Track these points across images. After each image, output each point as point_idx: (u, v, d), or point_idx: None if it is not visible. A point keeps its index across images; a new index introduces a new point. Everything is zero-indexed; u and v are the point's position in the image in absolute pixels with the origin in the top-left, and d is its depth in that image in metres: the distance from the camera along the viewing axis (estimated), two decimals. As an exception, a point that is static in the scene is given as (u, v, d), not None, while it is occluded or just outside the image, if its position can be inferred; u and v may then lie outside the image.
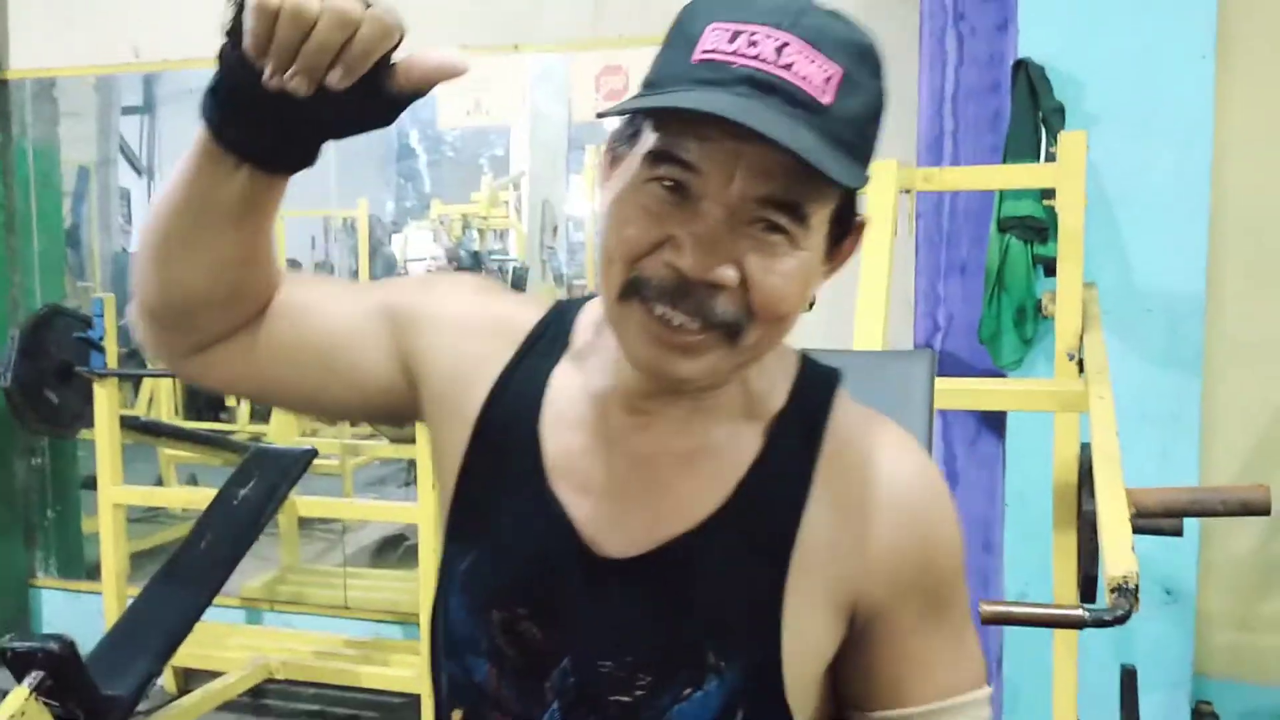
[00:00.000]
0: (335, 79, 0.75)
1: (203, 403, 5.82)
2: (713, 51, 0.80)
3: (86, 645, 3.24)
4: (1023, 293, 2.93)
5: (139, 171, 6.11)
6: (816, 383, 0.96)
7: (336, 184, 4.50)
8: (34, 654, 2.72)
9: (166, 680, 3.97)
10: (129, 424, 4.18)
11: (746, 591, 0.89)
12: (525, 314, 1.00)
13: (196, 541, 3.34)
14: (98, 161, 6.01)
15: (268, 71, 0.76)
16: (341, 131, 0.84)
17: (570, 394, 0.95)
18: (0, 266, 4.48)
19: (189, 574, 3.23)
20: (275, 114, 0.80)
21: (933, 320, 3.27)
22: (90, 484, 3.95)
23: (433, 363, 0.98)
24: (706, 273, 0.81)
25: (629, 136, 0.87)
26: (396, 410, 1.03)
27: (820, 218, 0.84)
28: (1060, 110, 2.88)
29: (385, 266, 4.67)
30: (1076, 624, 1.52)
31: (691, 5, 0.86)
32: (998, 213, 2.92)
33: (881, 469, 0.91)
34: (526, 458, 0.94)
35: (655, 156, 0.82)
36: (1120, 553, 1.61)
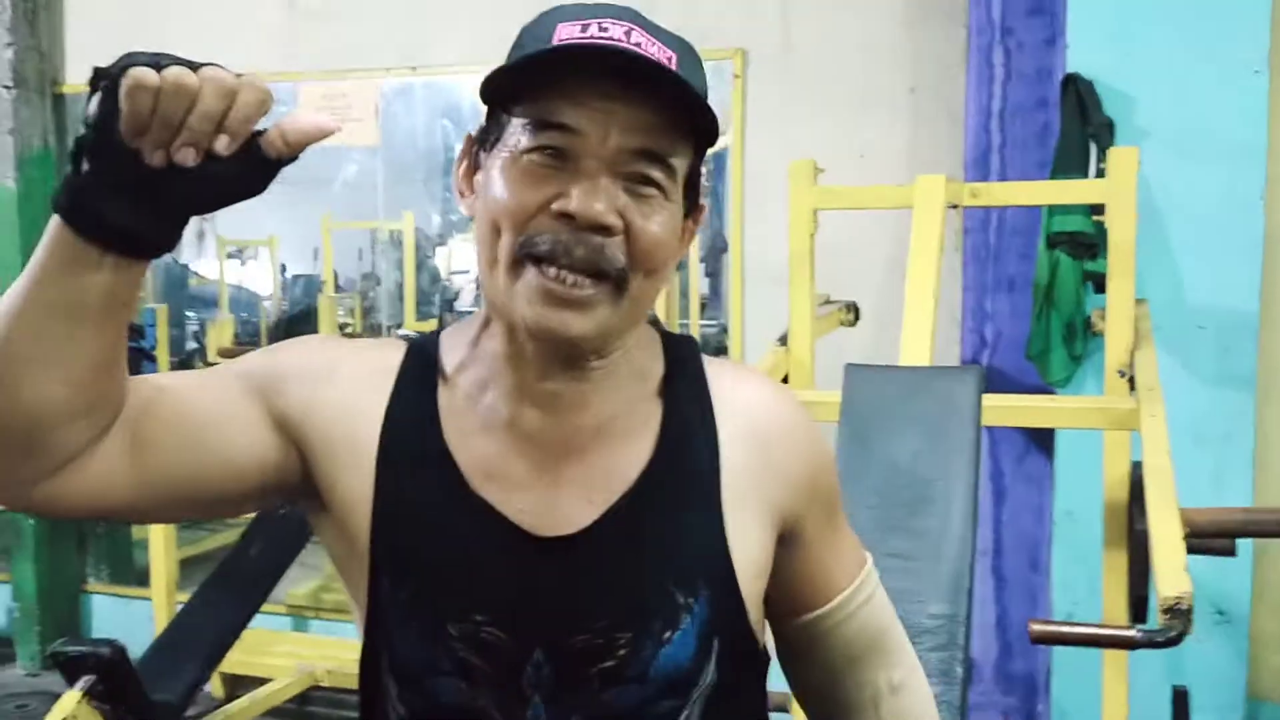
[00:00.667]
0: (222, 146, 0.78)
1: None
2: (568, 39, 0.89)
3: (136, 650, 3.28)
4: (1072, 309, 2.90)
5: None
6: (683, 348, 1.05)
7: (384, 197, 4.54)
8: (86, 658, 2.75)
9: (214, 686, 4.01)
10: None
11: (693, 532, 0.97)
12: (386, 353, 1.02)
13: (245, 549, 3.37)
14: (150, 174, 6.10)
15: (149, 148, 0.77)
16: (216, 202, 0.83)
17: (463, 409, 0.98)
18: (56, 277, 4.56)
19: (238, 581, 3.26)
20: (148, 193, 0.80)
21: (980, 336, 3.25)
22: (141, 492, 4.00)
23: (311, 415, 0.97)
24: (594, 214, 0.88)
25: (492, 140, 0.93)
26: (283, 483, 0.98)
27: (681, 173, 0.93)
28: (1110, 125, 2.86)
29: (430, 278, 4.70)
30: (1128, 645, 1.50)
31: (532, 21, 0.94)
32: (1046, 228, 2.90)
33: (766, 406, 1.03)
34: (445, 472, 0.96)
35: (534, 127, 0.89)
36: (1174, 573, 1.59)
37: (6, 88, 4.38)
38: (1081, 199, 2.75)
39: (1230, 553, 2.09)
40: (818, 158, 2.68)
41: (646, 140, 0.89)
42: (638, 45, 0.89)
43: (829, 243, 2.75)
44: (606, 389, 0.98)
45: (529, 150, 0.90)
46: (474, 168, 0.97)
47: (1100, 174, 2.73)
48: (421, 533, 0.96)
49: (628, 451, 0.97)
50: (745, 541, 0.98)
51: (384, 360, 1.01)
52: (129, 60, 0.76)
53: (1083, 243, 2.85)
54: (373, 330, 5.46)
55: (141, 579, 4.26)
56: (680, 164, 0.93)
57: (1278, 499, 2.95)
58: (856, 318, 3.17)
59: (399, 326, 5.99)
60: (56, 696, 2.85)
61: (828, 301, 3.09)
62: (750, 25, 3.74)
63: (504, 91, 0.92)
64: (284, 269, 6.33)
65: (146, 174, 0.78)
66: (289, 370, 0.98)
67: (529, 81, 0.90)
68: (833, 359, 2.41)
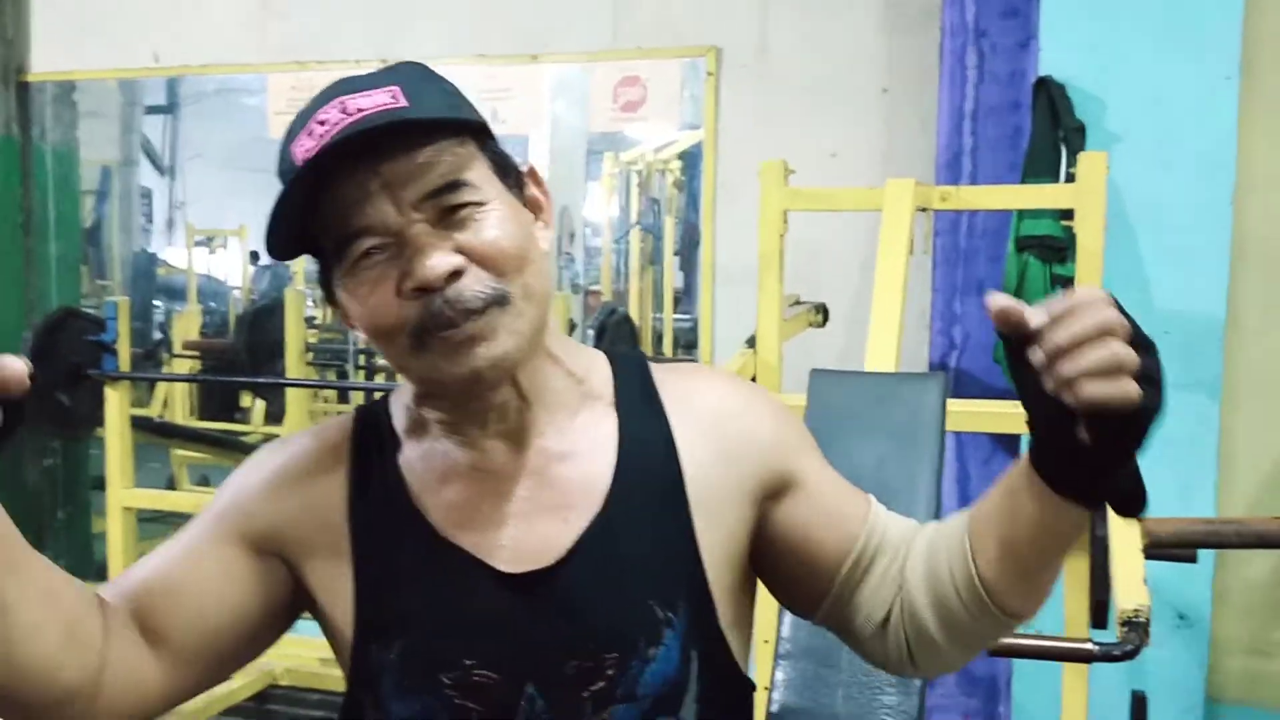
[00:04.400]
0: None
1: (218, 405, 5.83)
2: (304, 153, 0.90)
3: (93, 648, 3.24)
4: (1040, 313, 2.90)
5: (161, 170, 6.13)
6: (629, 360, 1.07)
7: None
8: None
9: (173, 683, 3.97)
10: (141, 425, 4.19)
11: (664, 542, 0.98)
12: (334, 434, 1.04)
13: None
14: (120, 161, 6.03)
15: None
16: None
17: (423, 466, 1.00)
18: (17, 268, 4.50)
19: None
20: None
21: (949, 338, 3.24)
22: (101, 484, 3.95)
23: (280, 526, 1.00)
24: (435, 272, 0.90)
25: (326, 281, 0.97)
26: (288, 600, 1.02)
27: (479, 176, 0.93)
28: (1081, 129, 2.85)
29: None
30: (1086, 658, 1.50)
31: (279, 156, 0.95)
32: (1016, 232, 2.90)
33: (716, 395, 1.04)
34: (417, 529, 0.98)
35: (341, 247, 0.92)
36: (1132, 586, 1.59)
37: (-32, 74, 4.31)
38: (1051, 203, 2.75)
39: (1191, 560, 2.09)
40: (790, 157, 2.67)
41: (429, 180, 0.90)
42: (359, 111, 0.89)
43: (801, 242, 2.74)
44: (557, 412, 1.00)
45: (352, 269, 0.92)
46: (339, 304, 0.98)
47: (1070, 178, 2.73)
48: (403, 592, 0.97)
49: (592, 467, 0.99)
50: (715, 539, 0.98)
51: (334, 441, 1.03)
52: None
53: (1052, 246, 2.85)
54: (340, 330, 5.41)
55: (101, 573, 4.21)
56: (473, 170, 0.93)
57: (1242, 506, 2.96)
58: (825, 319, 3.16)
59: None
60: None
61: (797, 302, 3.07)
62: (726, 24, 3.72)
63: (289, 241, 0.94)
64: (255, 258, 6.26)
65: None
66: (246, 495, 1.01)
67: (299, 221, 0.92)
68: (802, 361, 2.40)
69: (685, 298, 4.50)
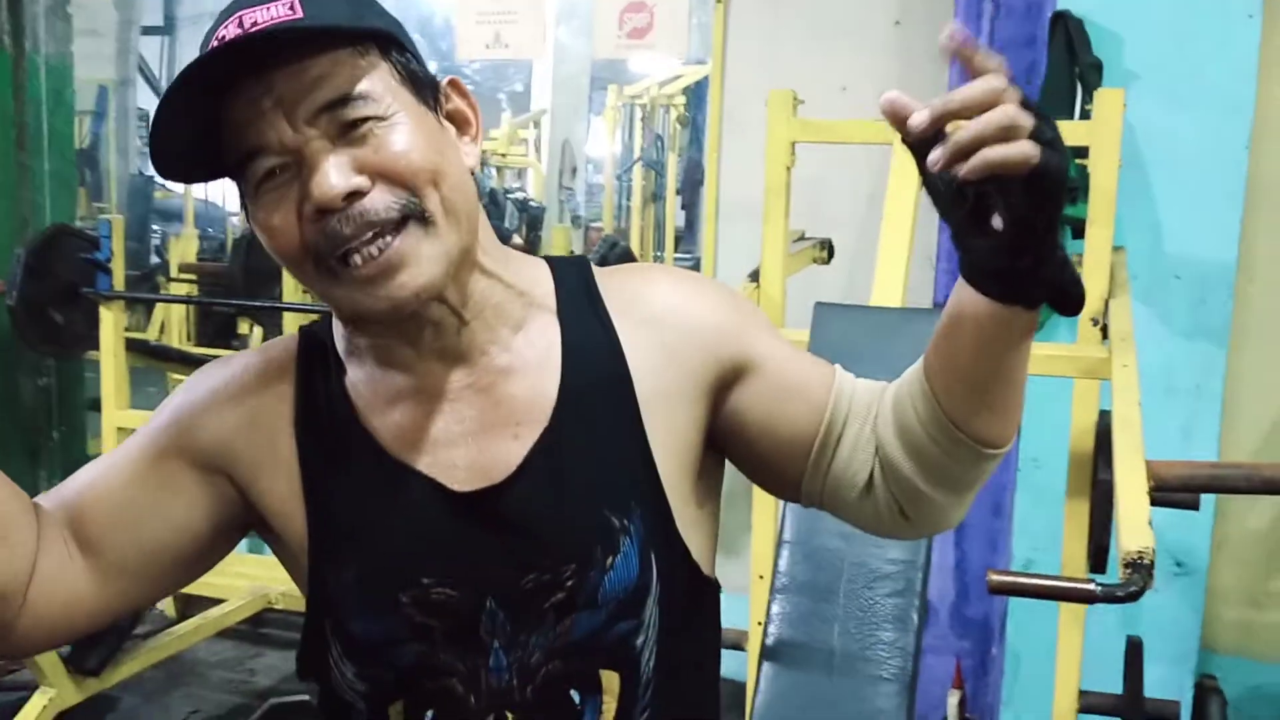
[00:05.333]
0: None
1: (214, 330, 5.80)
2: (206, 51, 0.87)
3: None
4: (1048, 254, 2.86)
5: (158, 93, 6.05)
6: (570, 267, 1.03)
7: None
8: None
9: (166, 605, 3.98)
10: (135, 347, 4.14)
11: (615, 449, 0.96)
12: (279, 353, 1.01)
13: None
14: (116, 81, 5.94)
15: None
16: None
17: (368, 386, 0.98)
18: (10, 183, 4.43)
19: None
20: None
21: (954, 278, 3.19)
22: (97, 405, 3.93)
23: (226, 442, 0.98)
24: (332, 191, 0.85)
25: (242, 204, 0.93)
26: (234, 518, 1.00)
27: (380, 87, 0.89)
28: (1098, 66, 2.79)
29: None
30: (1087, 598, 1.47)
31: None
32: (1027, 170, 2.84)
33: (655, 289, 1.01)
34: (366, 450, 0.96)
35: (240, 166, 0.89)
36: (1137, 527, 1.56)
37: (-39, -16, 4.22)
38: (1065, 140, 2.68)
39: (1194, 506, 2.07)
40: (799, 90, 2.61)
41: (320, 94, 0.86)
42: (254, 25, 0.85)
43: (807, 177, 2.68)
44: (493, 322, 0.97)
45: (255, 192, 0.89)
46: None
47: (1086, 115, 2.67)
48: (356, 513, 0.96)
49: (539, 380, 0.97)
50: (668, 441, 0.97)
51: (279, 360, 1.01)
52: None
53: (1063, 186, 2.79)
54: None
55: (96, 494, 4.19)
56: (373, 81, 0.88)
57: (1245, 452, 2.94)
58: (831, 255, 3.11)
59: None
60: None
61: (802, 238, 3.02)
62: (735, -51, 3.63)
63: (194, 163, 0.91)
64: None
65: None
66: (190, 410, 0.99)
67: (203, 143, 0.89)
68: (806, 296, 2.36)
69: (687, 236, 4.45)
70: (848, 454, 0.98)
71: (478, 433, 0.96)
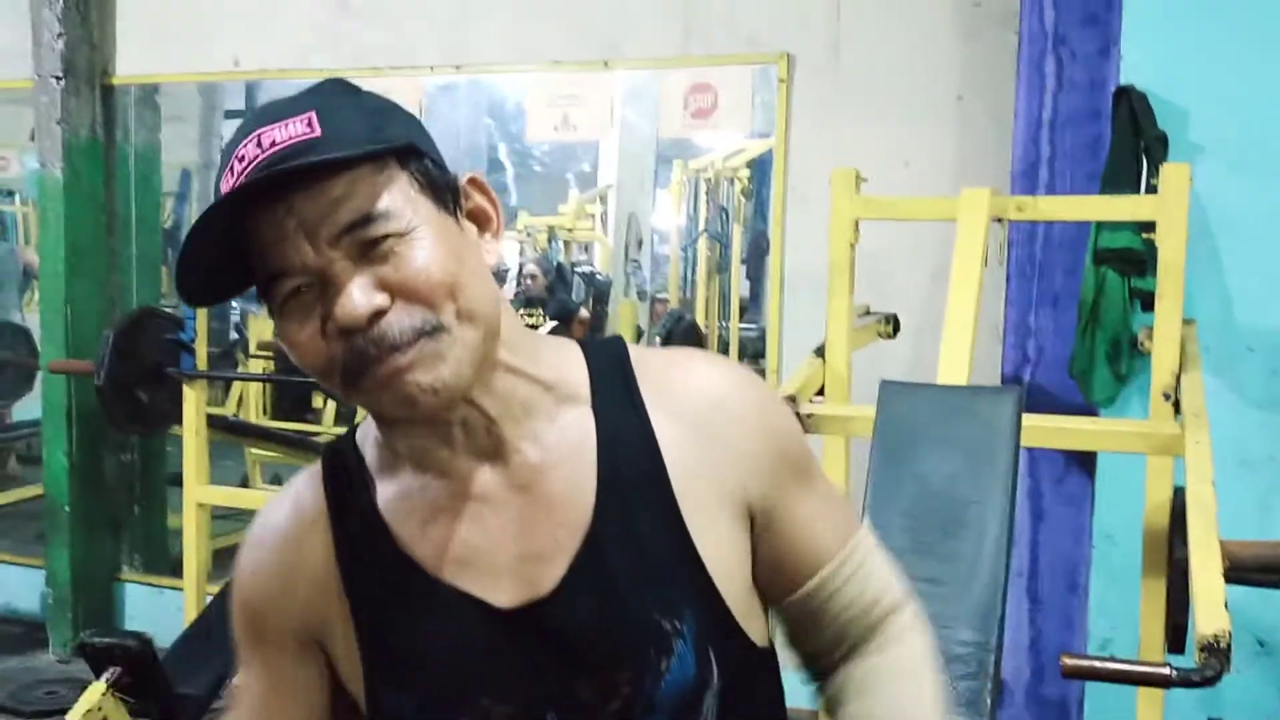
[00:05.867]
0: None
1: (290, 404, 5.92)
2: (225, 192, 0.88)
3: (168, 640, 3.29)
4: (1118, 327, 2.84)
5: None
6: (605, 351, 1.01)
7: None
8: (112, 650, 2.77)
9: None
10: (216, 423, 4.25)
11: (659, 549, 0.94)
12: (306, 497, 1.02)
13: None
14: (200, 164, 6.15)
15: None
16: None
17: (407, 501, 0.98)
18: (100, 268, 4.59)
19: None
20: None
21: (1022, 352, 3.18)
22: (177, 480, 4.03)
23: (295, 616, 1.00)
24: (356, 313, 0.86)
25: (269, 312, 0.93)
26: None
27: (399, 202, 0.89)
28: (1163, 139, 2.79)
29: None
30: (1163, 683, 1.45)
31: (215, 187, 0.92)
32: (1094, 244, 2.84)
33: (703, 390, 0.99)
34: (407, 575, 0.96)
35: (265, 288, 0.90)
36: (1212, 610, 1.54)
37: (56, 78, 4.42)
38: (1131, 216, 2.68)
39: (1275, 585, 2.03)
40: (863, 165, 2.64)
41: (340, 216, 0.87)
42: (273, 145, 0.86)
43: (872, 251, 2.70)
44: (522, 417, 0.96)
45: (281, 309, 0.90)
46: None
47: (1151, 189, 2.67)
48: (406, 641, 0.96)
49: (576, 476, 0.95)
50: (714, 541, 0.96)
51: (307, 503, 1.01)
52: None
53: (1131, 260, 2.78)
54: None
55: (175, 569, 4.29)
56: (393, 196, 0.89)
57: (1326, 528, 2.87)
58: (896, 330, 3.12)
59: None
60: (86, 684, 2.86)
61: (868, 312, 3.04)
62: (798, 30, 3.69)
63: (223, 283, 0.93)
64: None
65: None
66: (249, 609, 1.02)
67: (229, 264, 0.90)
68: (871, 372, 2.37)
69: (751, 306, 4.47)
70: (814, 627, 1.04)
71: (519, 535, 0.95)
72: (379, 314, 0.87)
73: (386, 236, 0.88)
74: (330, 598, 0.98)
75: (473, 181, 0.97)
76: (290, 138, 0.87)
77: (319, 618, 0.99)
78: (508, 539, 0.95)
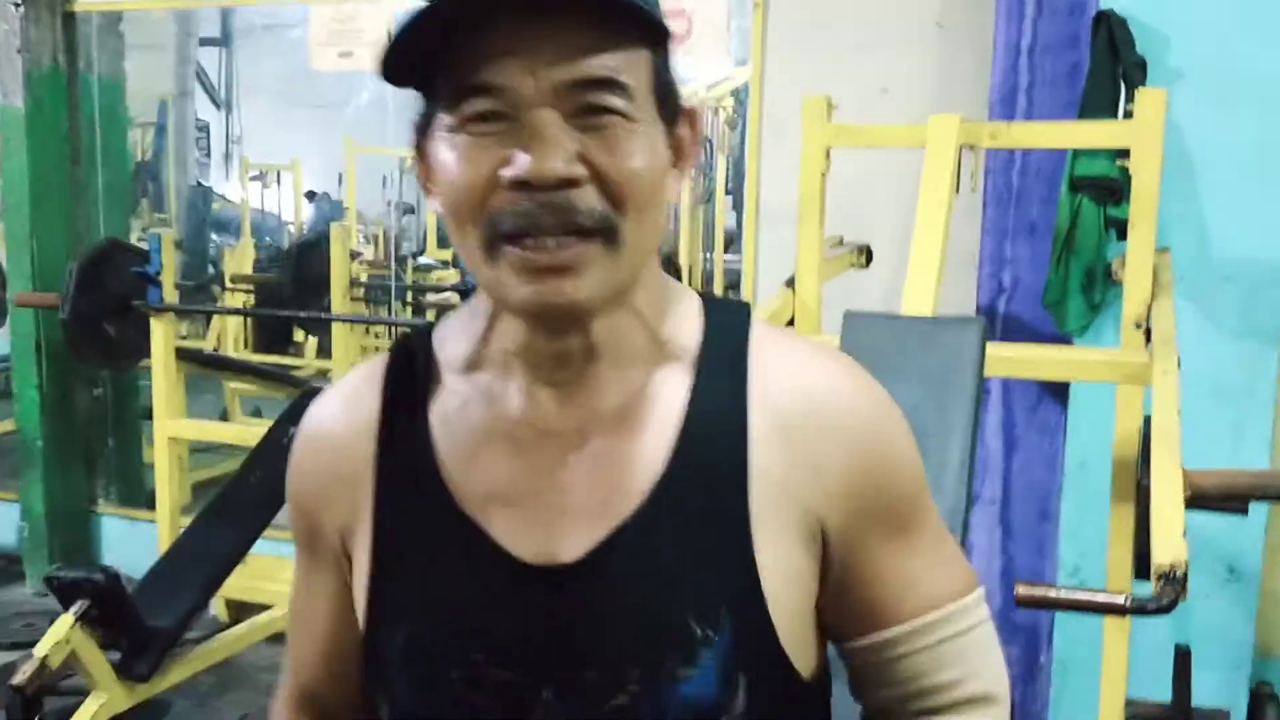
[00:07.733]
0: None
1: (270, 337, 5.89)
2: None
3: (142, 573, 3.29)
4: (1092, 256, 2.81)
5: (217, 105, 6.15)
6: (727, 314, 0.91)
7: (394, 124, 4.47)
8: (80, 584, 2.77)
9: (220, 610, 4.04)
10: (189, 357, 4.22)
11: (712, 545, 0.84)
12: (364, 387, 0.94)
13: (245, 477, 3.36)
14: (176, 94, 6.05)
15: None
16: None
17: (463, 420, 0.89)
18: (64, 200, 4.51)
19: (236, 509, 3.26)
20: None
21: (998, 282, 3.15)
22: (151, 415, 4.00)
23: (334, 518, 0.94)
24: (549, 173, 0.76)
25: (424, 126, 0.83)
26: None
27: (640, 86, 0.80)
28: (1142, 65, 2.74)
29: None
30: (1117, 611, 1.45)
31: None
32: (1070, 172, 2.80)
33: (819, 391, 0.87)
34: (437, 498, 0.88)
35: (455, 98, 0.79)
36: (1170, 539, 1.53)
37: (16, 5, 4.31)
38: (1105, 142, 2.64)
39: (1242, 512, 2.02)
40: (841, 94, 2.59)
41: (585, 66, 0.77)
42: None
43: (849, 180, 2.66)
44: (624, 367, 0.86)
45: (458, 127, 0.79)
46: (425, 159, 0.85)
47: (1129, 115, 2.62)
48: (414, 570, 0.89)
49: (649, 442, 0.85)
50: (775, 555, 0.85)
51: (358, 403, 0.93)
52: None
53: (1107, 187, 2.75)
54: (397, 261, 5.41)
55: (151, 502, 4.28)
56: (636, 76, 0.80)
57: (1297, 457, 2.87)
58: (869, 260, 3.09)
59: (421, 253, 5.94)
60: (53, 619, 2.86)
61: (840, 243, 3.00)
62: (774, -48, 3.61)
63: (405, 68, 0.80)
64: (312, 195, 6.28)
65: None
66: (297, 509, 0.97)
67: (424, 49, 0.78)
68: (847, 302, 2.34)
69: (738, 239, 4.44)
70: (878, 682, 0.92)
71: (565, 490, 0.86)
72: (570, 183, 0.77)
73: (614, 113, 0.78)
74: (362, 510, 0.91)
75: (690, 112, 0.87)
76: None
77: (350, 530, 0.92)
78: (554, 489, 0.86)
